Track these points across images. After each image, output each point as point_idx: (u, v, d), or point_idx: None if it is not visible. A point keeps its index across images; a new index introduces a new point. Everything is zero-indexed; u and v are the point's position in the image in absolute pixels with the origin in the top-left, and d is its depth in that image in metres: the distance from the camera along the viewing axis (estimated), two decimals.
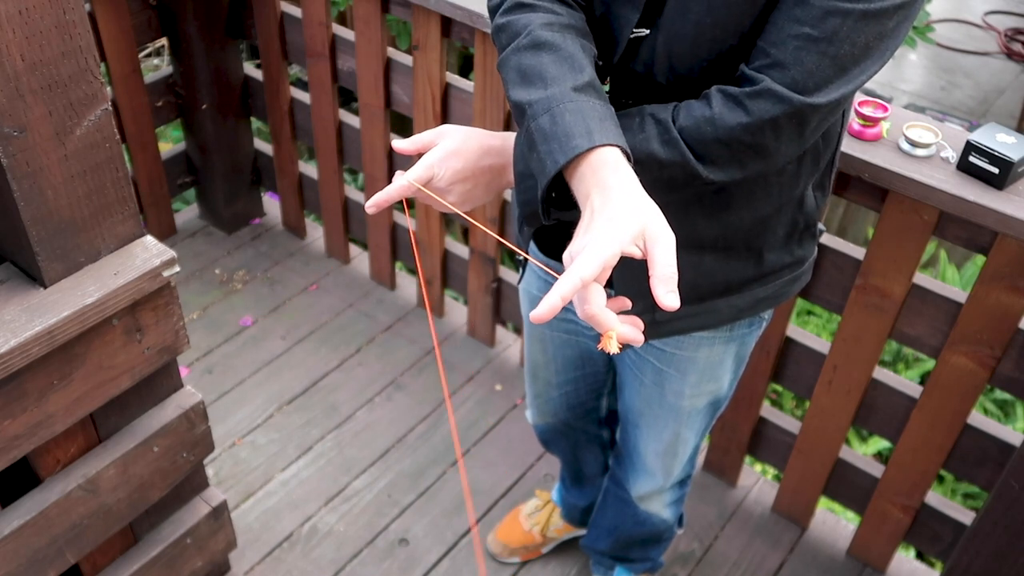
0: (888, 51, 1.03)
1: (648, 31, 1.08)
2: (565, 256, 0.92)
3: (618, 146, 0.96)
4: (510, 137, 1.18)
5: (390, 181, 2.74)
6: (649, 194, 0.95)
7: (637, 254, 0.89)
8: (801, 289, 1.39)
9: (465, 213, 1.15)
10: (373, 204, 1.11)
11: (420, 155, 1.16)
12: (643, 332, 1.33)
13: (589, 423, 1.80)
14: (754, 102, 1.01)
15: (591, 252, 0.88)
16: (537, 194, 1.00)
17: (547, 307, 0.86)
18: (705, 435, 1.62)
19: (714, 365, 1.43)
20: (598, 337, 1.55)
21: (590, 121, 0.98)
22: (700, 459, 2.27)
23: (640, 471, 1.66)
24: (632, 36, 1.09)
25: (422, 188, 1.13)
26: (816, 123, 1.05)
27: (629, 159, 0.96)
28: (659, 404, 1.50)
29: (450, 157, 1.14)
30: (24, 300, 1.22)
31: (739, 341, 1.41)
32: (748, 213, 1.20)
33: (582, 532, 2.09)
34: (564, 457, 1.95)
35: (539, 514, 2.09)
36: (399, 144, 1.16)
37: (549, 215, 1.04)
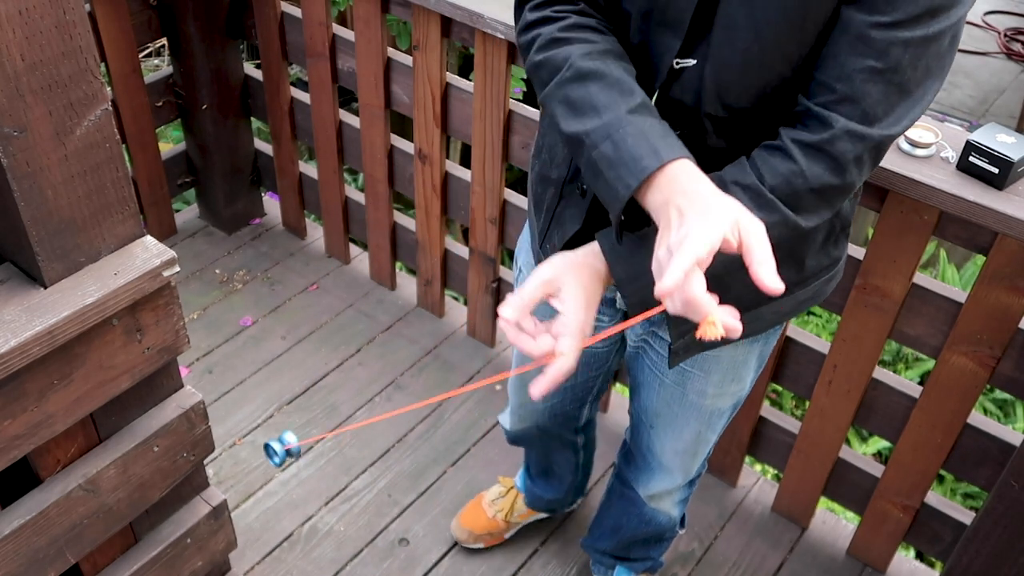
0: (945, 68, 1.06)
1: (695, 61, 1.08)
2: (659, 251, 0.91)
3: (687, 158, 0.97)
4: (596, 246, 1.11)
5: (390, 181, 2.74)
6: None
7: (733, 245, 0.89)
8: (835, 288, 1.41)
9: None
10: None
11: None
12: (692, 347, 1.33)
13: (566, 430, 1.83)
14: (835, 146, 1.03)
15: (697, 236, 0.87)
16: (647, 294, 0.98)
17: (671, 280, 0.84)
18: (721, 434, 1.62)
19: (738, 365, 1.43)
20: (604, 343, 1.55)
21: (654, 140, 0.99)
22: None
23: (655, 471, 1.67)
24: (677, 66, 1.09)
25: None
26: (888, 146, 1.08)
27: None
28: (680, 404, 1.50)
29: (589, 309, 1.05)
30: (24, 300, 1.22)
31: (763, 341, 1.43)
32: None
33: (544, 516, 2.12)
34: (535, 456, 1.98)
35: (502, 500, 2.11)
36: (506, 313, 1.01)
37: (621, 237, 1.05)
